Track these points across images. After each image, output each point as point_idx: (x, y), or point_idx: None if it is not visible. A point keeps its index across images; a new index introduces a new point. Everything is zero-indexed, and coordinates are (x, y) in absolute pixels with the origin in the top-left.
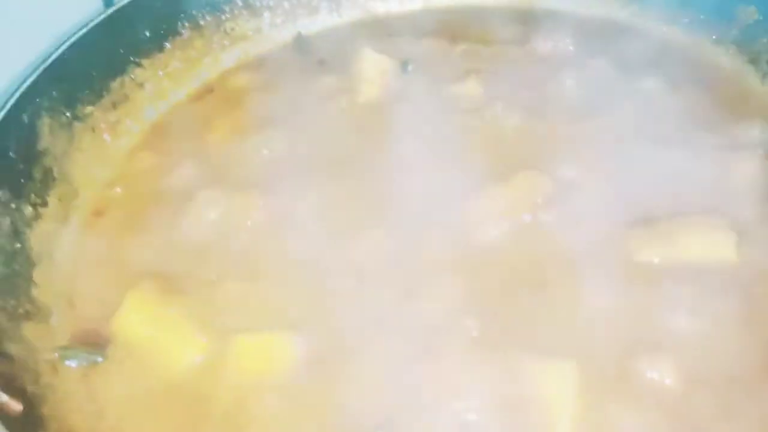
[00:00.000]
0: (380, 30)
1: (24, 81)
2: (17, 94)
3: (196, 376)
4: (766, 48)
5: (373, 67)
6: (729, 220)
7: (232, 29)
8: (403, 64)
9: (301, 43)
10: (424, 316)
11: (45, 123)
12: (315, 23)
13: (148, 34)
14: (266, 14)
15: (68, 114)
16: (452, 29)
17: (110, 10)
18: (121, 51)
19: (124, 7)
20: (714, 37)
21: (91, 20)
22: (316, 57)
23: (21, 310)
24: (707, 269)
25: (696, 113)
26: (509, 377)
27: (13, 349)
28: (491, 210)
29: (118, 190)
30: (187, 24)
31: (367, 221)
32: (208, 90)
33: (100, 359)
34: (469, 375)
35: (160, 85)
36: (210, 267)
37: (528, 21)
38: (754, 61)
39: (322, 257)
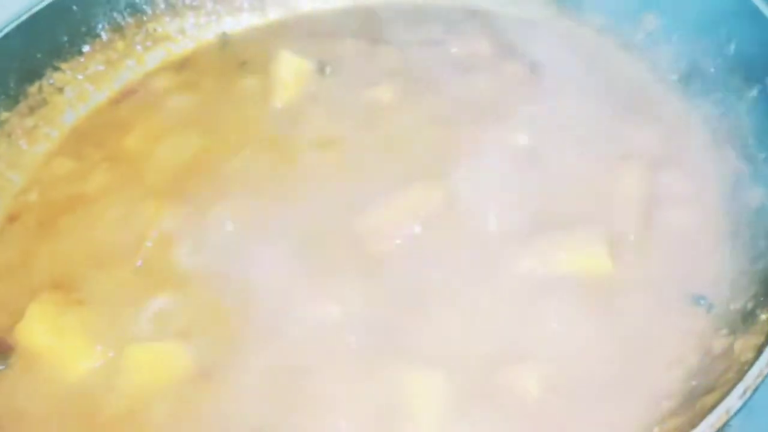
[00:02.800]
0: (303, 29)
1: None
2: None
3: (90, 384)
4: (667, 56)
5: (290, 69)
6: (608, 233)
7: (155, 30)
8: (321, 67)
9: (225, 43)
10: (309, 327)
11: None
12: (240, 22)
13: (66, 38)
14: (190, 14)
15: None
16: (375, 29)
17: (24, 16)
18: (39, 56)
19: (39, 11)
20: (620, 41)
21: (6, 25)
22: (239, 58)
23: None
24: (584, 283)
25: (598, 119)
26: (383, 389)
27: None
28: (384, 222)
29: (33, 196)
30: (107, 26)
31: (266, 233)
32: (131, 92)
33: (1, 367)
34: (344, 387)
35: (80, 89)
36: (112, 277)
37: (451, 21)
38: (655, 68)
39: (219, 269)
